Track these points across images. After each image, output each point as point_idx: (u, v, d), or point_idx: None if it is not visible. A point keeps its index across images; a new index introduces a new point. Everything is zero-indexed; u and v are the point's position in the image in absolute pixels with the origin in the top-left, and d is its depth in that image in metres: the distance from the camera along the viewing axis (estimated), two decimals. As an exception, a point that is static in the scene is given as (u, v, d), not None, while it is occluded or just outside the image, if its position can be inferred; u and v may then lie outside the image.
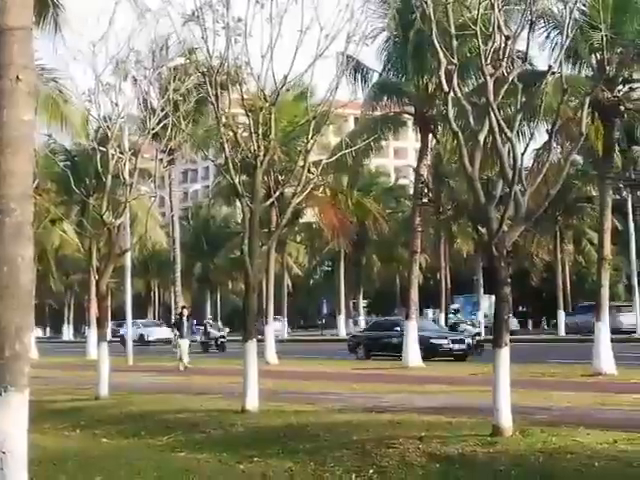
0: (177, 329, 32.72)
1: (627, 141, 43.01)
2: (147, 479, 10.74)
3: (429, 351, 32.82)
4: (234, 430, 14.10)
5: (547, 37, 24.96)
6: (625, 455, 10.33)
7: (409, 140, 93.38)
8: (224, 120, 16.86)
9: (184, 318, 32.24)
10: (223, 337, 48.58)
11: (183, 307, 35.39)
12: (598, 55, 24.19)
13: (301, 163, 17.37)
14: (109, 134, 20.62)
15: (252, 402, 16.04)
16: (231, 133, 16.93)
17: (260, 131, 16.39)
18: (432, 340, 34.57)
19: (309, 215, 59.29)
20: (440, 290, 66.48)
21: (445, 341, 35.43)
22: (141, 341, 62.27)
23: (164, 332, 63.14)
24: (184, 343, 31.50)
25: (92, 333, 40.96)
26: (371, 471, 10.65)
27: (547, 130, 22.20)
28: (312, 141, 17.06)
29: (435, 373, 25.88)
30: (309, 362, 33.91)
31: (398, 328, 33.91)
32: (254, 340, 16.61)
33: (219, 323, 58.03)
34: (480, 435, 11.94)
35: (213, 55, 16.26)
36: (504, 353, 12.22)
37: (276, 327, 59.06)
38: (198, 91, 19.72)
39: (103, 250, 23.91)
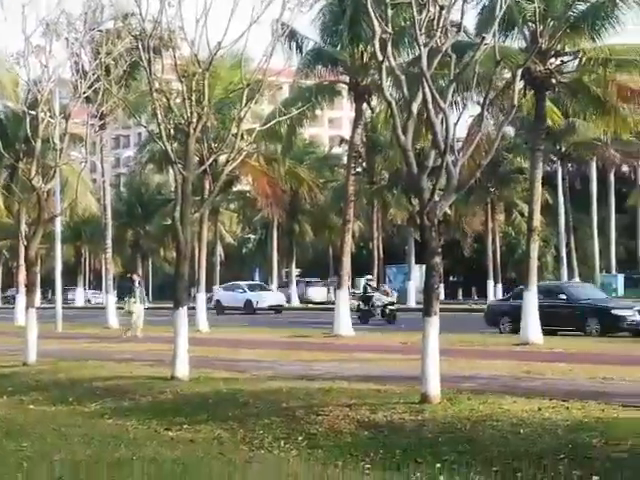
0: (130, 295, 31.40)
1: (559, 114, 43.60)
2: (74, 445, 10.67)
3: (608, 324, 27.82)
4: (163, 397, 14.07)
5: (482, 8, 25.10)
6: (549, 422, 10.52)
7: (344, 109, 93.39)
8: (157, 85, 16.67)
9: (136, 284, 31.37)
10: (392, 303, 40.02)
11: (132, 273, 34.68)
12: (531, 27, 24.38)
13: (234, 131, 17.25)
14: (39, 97, 20.27)
15: (182, 369, 16.00)
16: (164, 99, 16.74)
17: (193, 97, 16.23)
18: (614, 311, 28.40)
19: (243, 184, 59.03)
20: (373, 259, 66.86)
21: (630, 312, 28.41)
22: (248, 308, 54.05)
23: (277, 297, 57.90)
24: (138, 309, 30.62)
25: (20, 299, 40.42)
26: (300, 438, 10.71)
27: (477, 102, 22.44)
28: (246, 109, 16.95)
29: (366, 342, 26.05)
30: (242, 330, 33.91)
31: (564, 296, 29.23)
32: (184, 307, 16.55)
33: (386, 286, 48.23)
34: (409, 403, 12.07)
35: (146, 19, 16.04)
36: (433, 322, 12.34)
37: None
38: (131, 55, 19.43)
39: (32, 215, 23.57)
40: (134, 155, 77.09)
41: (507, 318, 29.46)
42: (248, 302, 54.90)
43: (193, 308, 32.80)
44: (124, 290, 31.96)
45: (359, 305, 38.76)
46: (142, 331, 30.16)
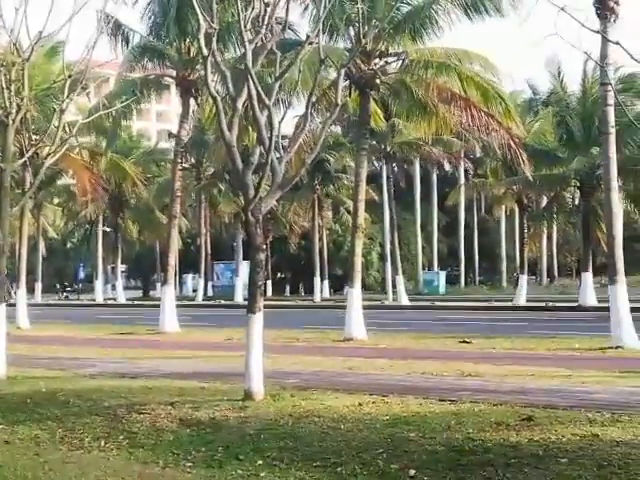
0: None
1: (384, 114, 44.55)
2: None
3: None
4: (-22, 398, 13.57)
5: (306, 7, 25.38)
6: (369, 417, 10.73)
7: (172, 104, 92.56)
8: (-27, 74, 16.04)
9: None
10: None
11: None
12: (355, 28, 24.79)
13: (56, 123, 16.81)
14: None
15: (-1, 368, 15.50)
16: (-19, 88, 16.13)
17: (13, 87, 15.73)
18: None
19: (68, 177, 57.61)
20: (200, 256, 66.59)
21: None
22: None
23: None
24: None
25: None
26: (121, 437, 10.53)
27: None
28: (67, 100, 16.55)
29: (191, 338, 25.92)
30: (63, 327, 33.11)
31: None
32: (3, 304, 16.04)
33: None
34: (232, 400, 12.08)
35: (-38, 5, 15.43)
36: (257, 319, 12.38)
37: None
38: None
39: None
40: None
41: None
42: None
43: (13, 305, 31.88)
44: None
45: None
46: None
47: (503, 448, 8.90)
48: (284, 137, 19.82)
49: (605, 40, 18.65)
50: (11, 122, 15.85)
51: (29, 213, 44.32)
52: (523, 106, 48.77)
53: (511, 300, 47.36)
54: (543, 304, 43.43)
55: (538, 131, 43.56)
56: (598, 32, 15.07)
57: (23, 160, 19.22)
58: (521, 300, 46.20)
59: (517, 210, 54.78)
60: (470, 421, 10.20)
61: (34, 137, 29.32)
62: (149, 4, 30.87)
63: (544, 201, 50.21)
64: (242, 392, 12.24)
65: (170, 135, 64.80)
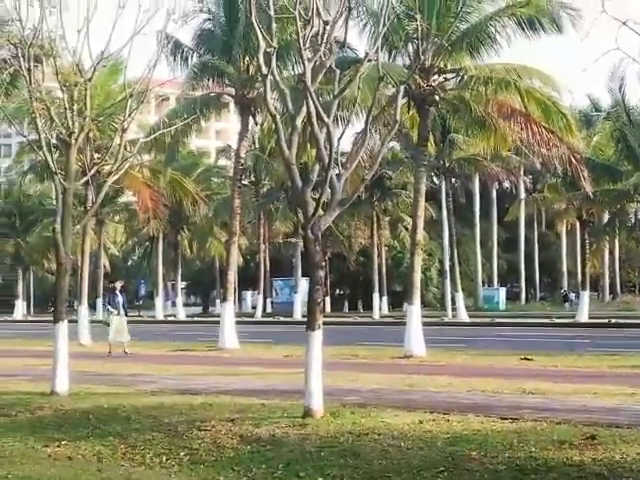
0: (110, 306, 28.13)
1: (442, 130, 44.48)
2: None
3: None
4: (41, 413, 13.73)
5: (364, 25, 25.47)
6: (429, 435, 10.66)
7: (231, 122, 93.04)
8: (37, 94, 16.33)
9: (117, 292, 28.27)
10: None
11: (114, 281, 30.57)
12: (414, 45, 24.79)
13: (118, 141, 17.04)
14: None
15: (61, 384, 15.70)
16: (44, 108, 16.42)
17: (75, 107, 15.97)
18: None
19: (129, 195, 58.24)
20: (259, 273, 66.84)
21: None
22: None
23: None
24: (117, 320, 27.58)
25: None
26: (182, 453, 10.59)
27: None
28: (129, 119, 16.76)
29: (251, 355, 25.99)
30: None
31: None
32: (65, 321, 16.24)
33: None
34: (292, 417, 12.08)
35: (26, 26, 15.71)
36: (317, 335, 12.38)
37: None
38: (11, 64, 19.00)
39: None
40: (12, 164, 75.47)
41: None
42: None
43: (75, 321, 32.28)
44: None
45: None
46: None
47: (566, 467, 8.78)
48: (343, 154, 19.87)
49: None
50: (74, 142, 16.08)
51: (91, 230, 44.87)
52: (582, 120, 48.35)
53: (573, 317, 46.80)
54: (606, 321, 42.84)
55: (597, 145, 43.15)
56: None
57: (86, 179, 19.50)
58: (583, 317, 45.65)
59: (578, 225, 54.23)
60: (532, 440, 10.09)
61: (96, 156, 29.82)
62: (206, 21, 31.22)
63: (606, 216, 49.63)
64: (302, 409, 12.23)
65: (224, 150, 65.20)
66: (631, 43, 9.33)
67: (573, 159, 26.74)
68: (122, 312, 27.90)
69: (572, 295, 72.39)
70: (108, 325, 27.84)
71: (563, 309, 65.93)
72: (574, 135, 26.20)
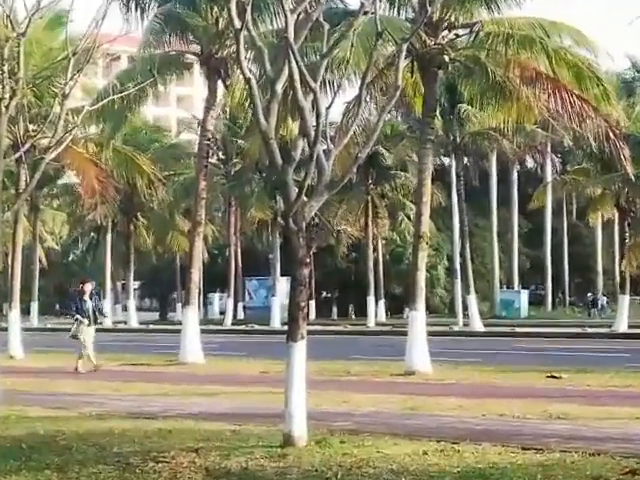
0: (79, 314, 27.18)
1: (450, 99, 44.53)
2: None
3: None
4: (-38, 442, 13.70)
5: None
6: (436, 469, 10.66)
7: (196, 87, 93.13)
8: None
9: (86, 297, 27.42)
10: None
11: (84, 282, 28.80)
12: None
13: (58, 109, 16.96)
14: None
15: (-12, 407, 15.65)
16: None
17: (6, 68, 15.89)
18: None
19: (71, 175, 58.05)
20: (229, 271, 66.78)
21: None
22: None
23: None
24: (90, 331, 26.99)
25: None
26: (135, 491, 10.59)
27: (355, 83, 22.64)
28: (72, 82, 16.67)
29: (219, 371, 26.00)
30: (64, 356, 33.29)
31: None
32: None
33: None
34: (269, 446, 12.09)
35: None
36: (299, 347, 12.36)
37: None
38: None
39: None
40: None
41: None
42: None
43: (5, 329, 32.22)
44: None
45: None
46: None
47: (602, 509, 8.83)
48: (332, 126, 19.89)
49: None
50: (4, 109, 16.00)
51: (24, 218, 44.70)
52: (622, 87, 48.48)
53: (610, 326, 47.01)
54: (649, 331, 43.08)
55: None
56: None
57: (18, 154, 19.45)
58: (622, 326, 45.87)
59: (617, 215, 54.41)
60: (561, 475, 10.11)
61: (31, 127, 29.74)
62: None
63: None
64: (281, 437, 12.23)
65: (192, 122, 65.14)
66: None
67: (611, 134, 26.80)
68: (91, 321, 27.26)
69: (602, 299, 72.94)
70: (76, 338, 27.14)
71: (591, 317, 66.34)
72: (612, 105, 26.25)
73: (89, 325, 27.08)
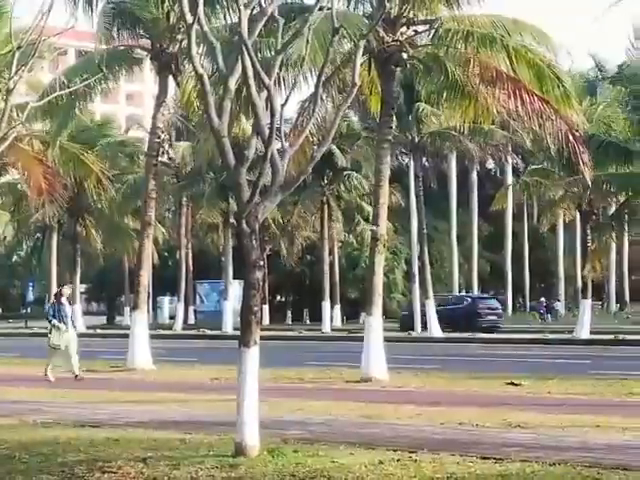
0: (56, 319, 26.23)
1: (408, 97, 44.61)
2: None
3: None
4: None
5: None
6: (393, 479, 10.69)
7: (146, 83, 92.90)
8: None
9: (64, 300, 26.76)
10: None
11: (62, 285, 28.71)
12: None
13: (1, 105, 16.84)
14: None
15: None
16: None
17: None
18: None
19: (14, 174, 57.63)
20: (180, 274, 66.58)
21: None
22: None
23: None
24: (70, 337, 26.23)
25: None
26: (79, 502, 10.52)
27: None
28: (16, 78, 16.56)
29: (168, 377, 25.92)
30: (5, 362, 33.11)
31: None
32: None
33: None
34: (220, 455, 12.07)
35: None
36: (252, 353, 12.33)
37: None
38: None
39: None
40: None
41: None
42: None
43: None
44: None
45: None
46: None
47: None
48: (287, 123, 19.87)
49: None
50: (-56, 105, 15.88)
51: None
52: (585, 87, 48.71)
53: (571, 332, 47.26)
54: (611, 337, 43.31)
55: (603, 118, 43.39)
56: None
57: (-41, 152, 19.25)
58: (583, 332, 46.07)
59: (578, 218, 54.69)
60: (520, 485, 10.16)
61: (-27, 123, 29.41)
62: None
63: (613, 207, 50.11)
64: (232, 446, 12.20)
65: (142, 119, 64.88)
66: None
67: (571, 137, 26.92)
68: (71, 326, 26.62)
69: (557, 305, 73.43)
70: (55, 348, 26.22)
71: (545, 322, 66.75)
72: (572, 107, 26.38)
73: (66, 331, 26.22)
